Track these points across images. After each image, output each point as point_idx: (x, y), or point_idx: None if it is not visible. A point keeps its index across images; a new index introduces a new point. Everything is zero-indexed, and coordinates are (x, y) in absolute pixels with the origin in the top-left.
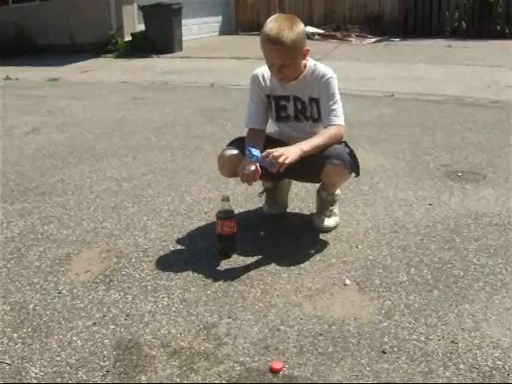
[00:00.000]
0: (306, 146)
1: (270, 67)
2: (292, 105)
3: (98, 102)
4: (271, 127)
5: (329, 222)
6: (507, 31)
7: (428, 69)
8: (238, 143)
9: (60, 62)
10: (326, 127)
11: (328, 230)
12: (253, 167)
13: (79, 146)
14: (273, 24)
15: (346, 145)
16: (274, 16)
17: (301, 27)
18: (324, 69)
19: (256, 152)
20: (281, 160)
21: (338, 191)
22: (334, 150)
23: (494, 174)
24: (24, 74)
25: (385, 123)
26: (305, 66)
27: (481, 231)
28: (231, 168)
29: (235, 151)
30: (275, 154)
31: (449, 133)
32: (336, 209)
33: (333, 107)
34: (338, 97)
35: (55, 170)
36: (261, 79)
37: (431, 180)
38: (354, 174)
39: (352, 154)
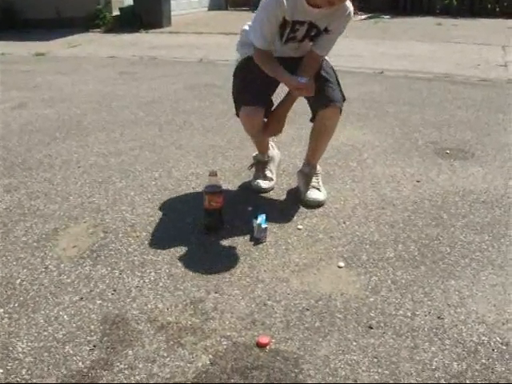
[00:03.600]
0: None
1: None
2: (304, 30)
3: (86, 76)
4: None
5: (319, 195)
6: (497, 9)
7: (418, 46)
8: (257, 97)
9: (47, 36)
10: (313, 54)
11: (317, 203)
12: (304, 79)
13: (66, 121)
14: None
15: (333, 70)
16: None
17: None
18: (349, 4)
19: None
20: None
21: (318, 167)
22: (334, 95)
23: (483, 151)
24: (10, 48)
25: (374, 100)
26: None
27: (468, 208)
28: (259, 123)
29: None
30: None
31: (438, 110)
32: (321, 184)
33: (332, 43)
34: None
35: (42, 145)
36: (284, 3)
37: (419, 157)
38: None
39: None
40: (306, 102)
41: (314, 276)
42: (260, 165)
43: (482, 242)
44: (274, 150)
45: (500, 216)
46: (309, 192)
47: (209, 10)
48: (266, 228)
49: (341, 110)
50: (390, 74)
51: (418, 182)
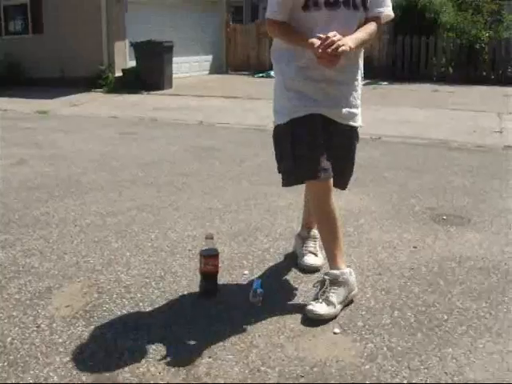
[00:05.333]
0: (353, 43)
1: None
2: None
3: (87, 135)
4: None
5: (316, 260)
6: (493, 77)
7: (415, 112)
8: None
9: (50, 94)
10: (372, 18)
11: (314, 268)
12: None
13: (65, 179)
14: None
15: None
16: None
17: None
18: None
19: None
20: (340, 45)
21: (316, 231)
22: (345, 185)
23: (479, 217)
24: (14, 105)
25: (372, 165)
26: None
27: (465, 275)
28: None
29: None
30: (334, 38)
31: (435, 176)
32: (319, 248)
33: None
34: None
35: (40, 203)
36: None
37: (416, 223)
38: None
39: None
40: None
41: (310, 342)
42: (312, 239)
43: (479, 309)
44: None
45: (497, 283)
46: (306, 257)
47: (210, 73)
48: (261, 293)
49: None
50: (387, 140)
51: (414, 247)
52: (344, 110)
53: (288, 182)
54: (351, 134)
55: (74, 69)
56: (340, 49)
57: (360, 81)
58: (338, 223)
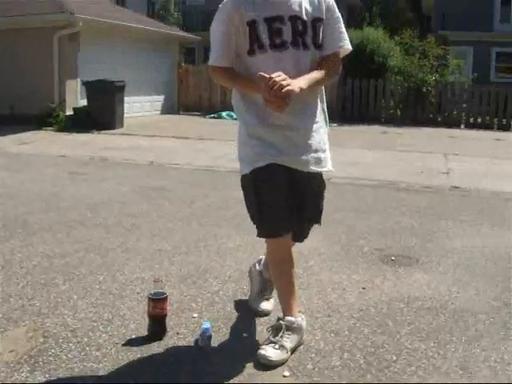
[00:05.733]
0: (304, 83)
1: None
2: (289, 27)
3: (36, 175)
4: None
5: (269, 305)
6: (439, 119)
7: (364, 154)
8: (282, 223)
9: None
10: (330, 54)
11: (266, 313)
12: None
13: (12, 219)
14: None
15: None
16: None
17: None
18: None
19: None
20: (284, 86)
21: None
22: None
23: (427, 257)
24: None
25: None
26: None
27: (413, 315)
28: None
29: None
30: (277, 79)
31: (383, 217)
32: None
33: (342, 29)
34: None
35: None
36: (242, 2)
37: (365, 263)
38: None
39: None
40: None
41: None
42: (267, 283)
43: (427, 349)
44: None
45: (445, 322)
46: (262, 303)
47: (161, 113)
48: (210, 336)
49: None
50: (336, 181)
51: (363, 288)
52: (307, 157)
53: (259, 233)
54: (317, 180)
55: (25, 106)
56: (284, 89)
57: (324, 124)
58: (294, 275)
